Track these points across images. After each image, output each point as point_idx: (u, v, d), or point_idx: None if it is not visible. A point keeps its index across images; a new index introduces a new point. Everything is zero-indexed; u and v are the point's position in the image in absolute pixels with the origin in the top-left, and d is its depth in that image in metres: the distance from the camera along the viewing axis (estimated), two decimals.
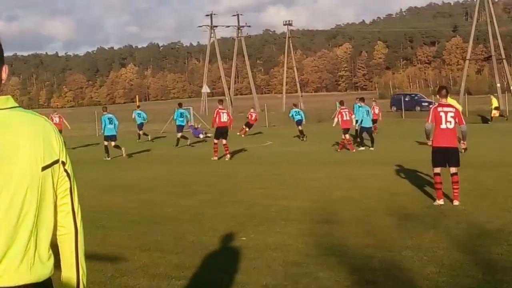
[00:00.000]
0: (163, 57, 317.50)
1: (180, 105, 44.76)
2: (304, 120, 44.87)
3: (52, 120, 44.02)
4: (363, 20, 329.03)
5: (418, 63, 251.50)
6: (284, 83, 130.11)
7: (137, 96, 70.66)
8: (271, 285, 8.78)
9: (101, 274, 9.43)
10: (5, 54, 3.42)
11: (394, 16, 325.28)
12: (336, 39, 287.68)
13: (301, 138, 42.85)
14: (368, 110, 33.88)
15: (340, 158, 28.20)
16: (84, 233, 3.64)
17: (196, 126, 51.54)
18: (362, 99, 35.00)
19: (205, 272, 9.54)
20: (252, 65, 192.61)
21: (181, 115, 42.76)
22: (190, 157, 32.15)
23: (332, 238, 11.56)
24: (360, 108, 34.01)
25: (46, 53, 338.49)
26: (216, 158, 29.95)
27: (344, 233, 11.93)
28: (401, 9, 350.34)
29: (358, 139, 35.07)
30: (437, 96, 15.64)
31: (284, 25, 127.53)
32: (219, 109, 31.24)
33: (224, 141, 30.37)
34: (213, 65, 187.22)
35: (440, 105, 15.11)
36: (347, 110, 34.07)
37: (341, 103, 36.33)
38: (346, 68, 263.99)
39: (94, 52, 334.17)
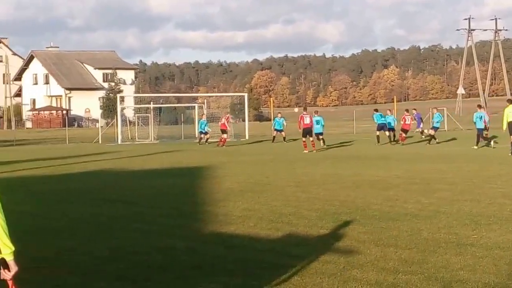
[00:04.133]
0: (423, 59, 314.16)
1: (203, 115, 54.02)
2: (323, 130, 40.00)
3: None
4: None
5: None
6: None
7: (394, 97, 70.29)
8: (494, 283, 8.48)
9: (334, 266, 9.50)
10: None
11: None
12: None
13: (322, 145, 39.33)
14: (481, 116, 38.47)
15: None
16: None
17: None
18: (479, 106, 41.51)
19: (427, 267, 9.35)
20: (509, 68, 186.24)
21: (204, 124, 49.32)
22: (433, 156, 32.01)
23: None
24: (475, 113, 39.18)
25: (314, 54, 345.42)
26: (307, 151, 36.10)
27: None
28: None
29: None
30: None
31: None
32: (303, 114, 38.00)
33: (311, 138, 37.51)
34: (471, 67, 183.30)
35: None
36: (308, 115, 38.35)
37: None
38: None
39: (359, 53, 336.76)
